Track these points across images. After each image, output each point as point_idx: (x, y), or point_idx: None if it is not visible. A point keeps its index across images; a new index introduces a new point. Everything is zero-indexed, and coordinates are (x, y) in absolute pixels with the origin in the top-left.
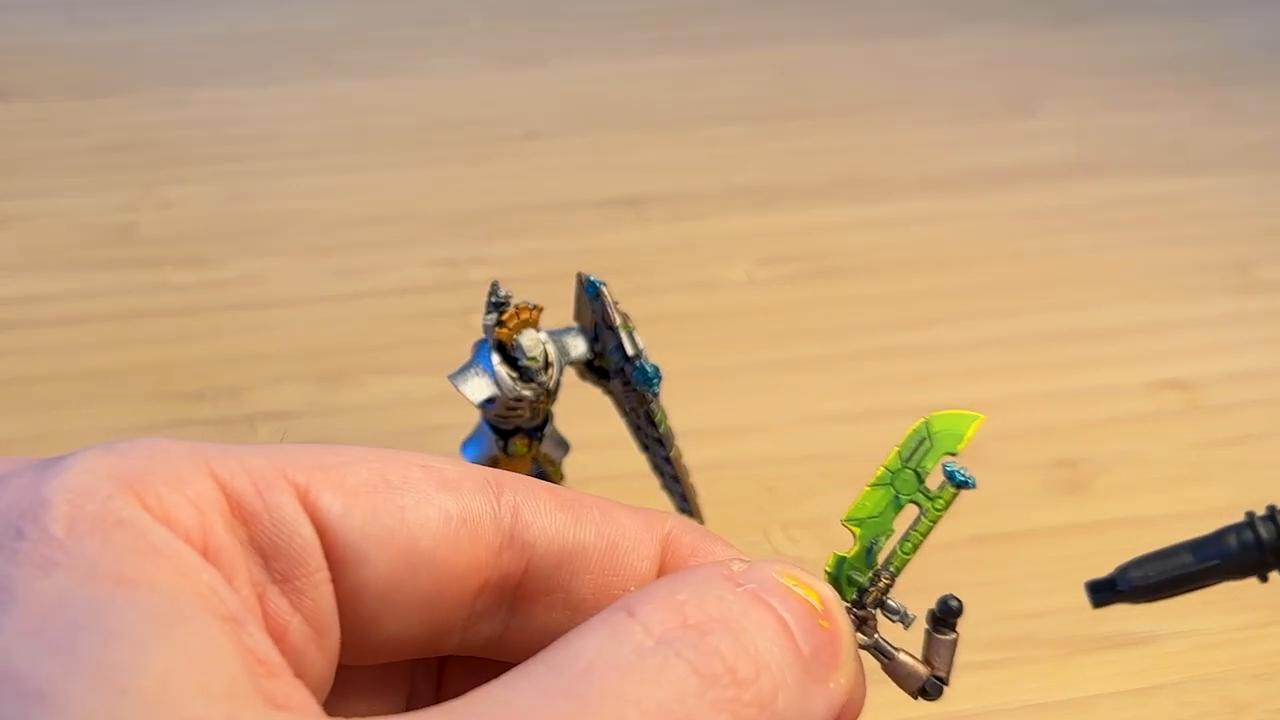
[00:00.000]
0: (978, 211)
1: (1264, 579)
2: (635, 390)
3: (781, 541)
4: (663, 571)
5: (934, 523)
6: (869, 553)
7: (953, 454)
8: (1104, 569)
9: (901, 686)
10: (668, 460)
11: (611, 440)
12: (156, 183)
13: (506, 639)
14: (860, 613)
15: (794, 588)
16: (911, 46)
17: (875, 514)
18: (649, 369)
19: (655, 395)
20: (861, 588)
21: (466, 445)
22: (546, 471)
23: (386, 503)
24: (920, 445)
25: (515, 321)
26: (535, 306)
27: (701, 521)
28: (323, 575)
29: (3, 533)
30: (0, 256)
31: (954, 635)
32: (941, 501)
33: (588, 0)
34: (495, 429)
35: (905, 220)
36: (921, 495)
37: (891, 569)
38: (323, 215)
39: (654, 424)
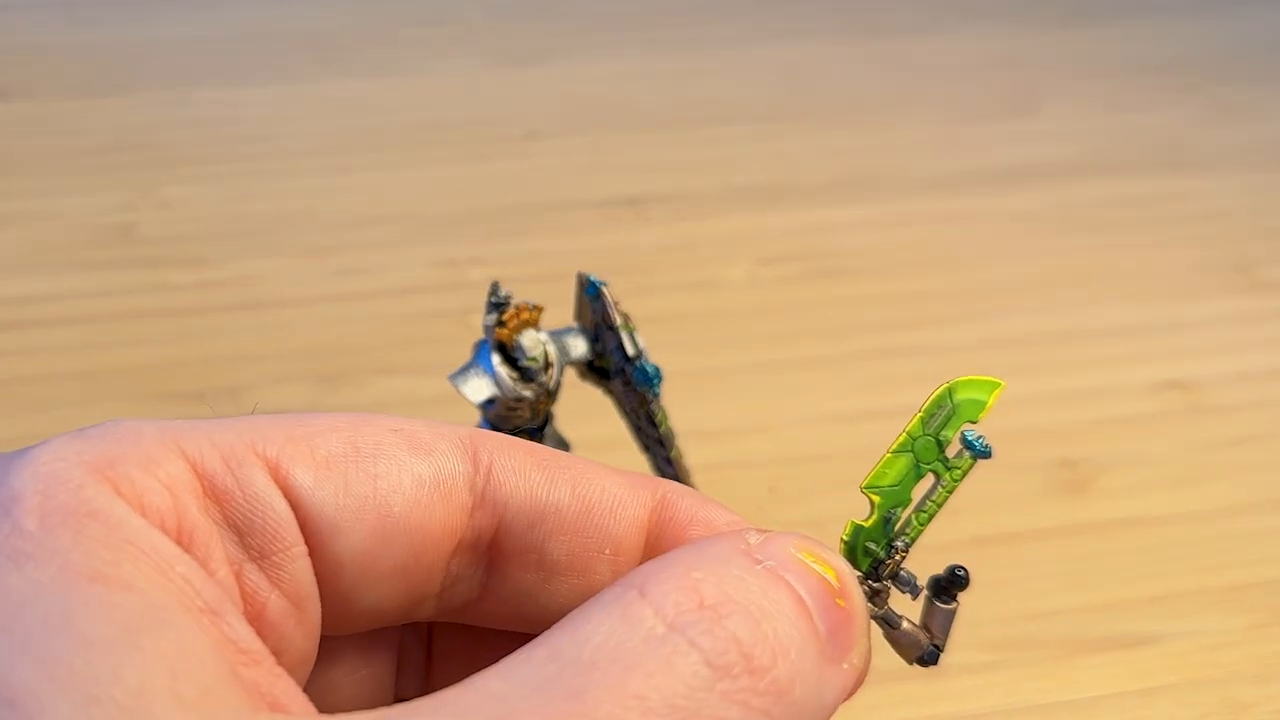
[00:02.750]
0: (978, 211)
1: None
2: (636, 391)
3: None
4: (656, 538)
5: (950, 493)
6: (887, 523)
7: (973, 422)
8: (1106, 569)
9: (901, 654)
10: (669, 461)
11: (612, 441)
12: (156, 183)
13: (485, 601)
14: (875, 585)
15: (812, 564)
16: (912, 46)
17: (895, 482)
18: (650, 369)
19: (656, 396)
20: (877, 559)
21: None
22: None
23: (359, 471)
24: (942, 412)
25: (515, 322)
26: (535, 306)
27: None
28: (299, 550)
29: None
30: (0, 256)
31: (955, 604)
32: (959, 471)
33: (588, 0)
34: (496, 429)
35: (906, 220)
36: (940, 464)
37: (907, 539)
38: (323, 215)
39: (655, 424)
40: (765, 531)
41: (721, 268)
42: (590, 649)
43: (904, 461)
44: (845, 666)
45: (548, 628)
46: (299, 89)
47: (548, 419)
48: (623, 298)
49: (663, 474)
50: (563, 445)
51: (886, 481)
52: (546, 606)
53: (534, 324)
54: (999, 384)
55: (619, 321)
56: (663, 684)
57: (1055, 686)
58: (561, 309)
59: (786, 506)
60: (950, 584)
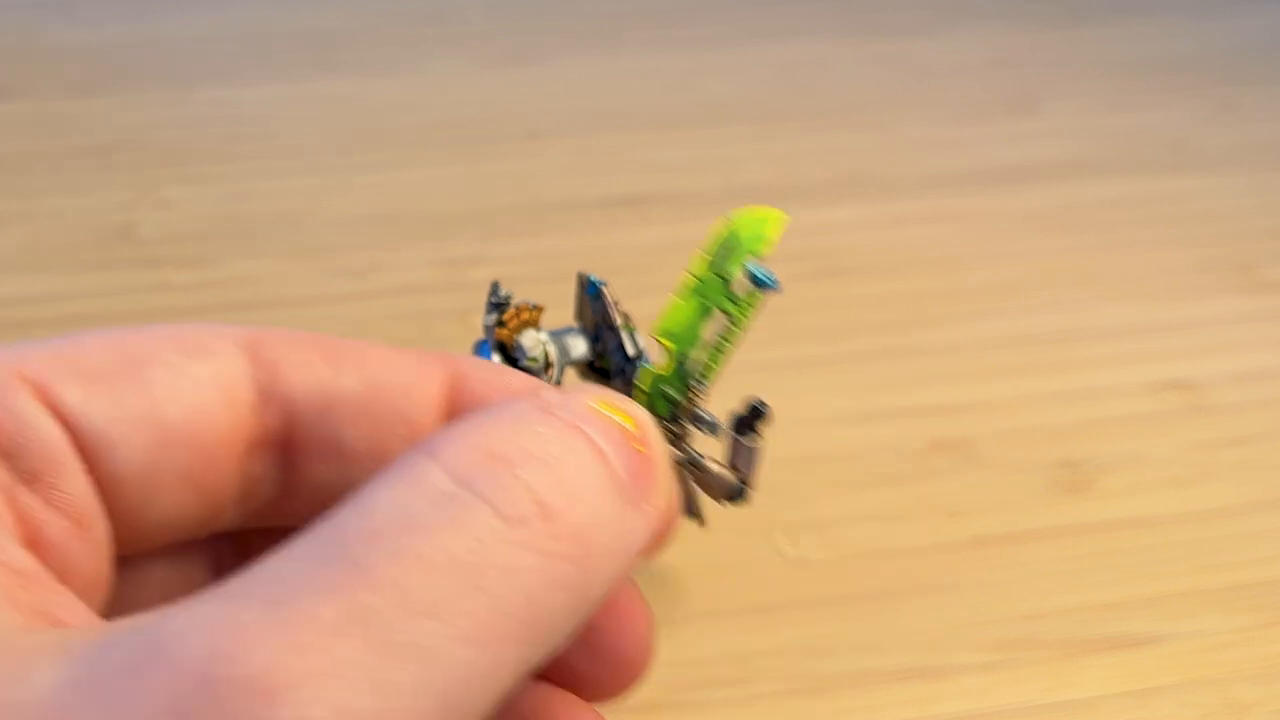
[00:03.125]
0: (979, 211)
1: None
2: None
3: (784, 543)
4: (453, 413)
5: (741, 329)
6: (681, 366)
7: (757, 256)
8: (1106, 569)
9: (711, 496)
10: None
11: None
12: (156, 182)
13: (289, 500)
14: (675, 429)
15: (608, 413)
16: (912, 46)
17: (686, 326)
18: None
19: None
20: (675, 403)
21: None
22: None
23: (130, 381)
24: (727, 250)
25: (515, 322)
26: (536, 306)
27: (703, 524)
28: (74, 468)
29: None
30: (0, 256)
31: (759, 440)
32: (748, 306)
33: (588, 0)
34: None
35: (907, 220)
36: (728, 301)
37: (703, 381)
38: (323, 215)
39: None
40: (562, 391)
41: None
42: (375, 518)
43: (693, 304)
44: (648, 509)
45: None
46: (299, 89)
47: None
48: (623, 298)
49: None
50: None
51: (677, 326)
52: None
53: (534, 324)
54: (780, 215)
55: (619, 321)
56: (449, 541)
57: (1055, 686)
58: (562, 309)
59: (788, 508)
60: (752, 419)
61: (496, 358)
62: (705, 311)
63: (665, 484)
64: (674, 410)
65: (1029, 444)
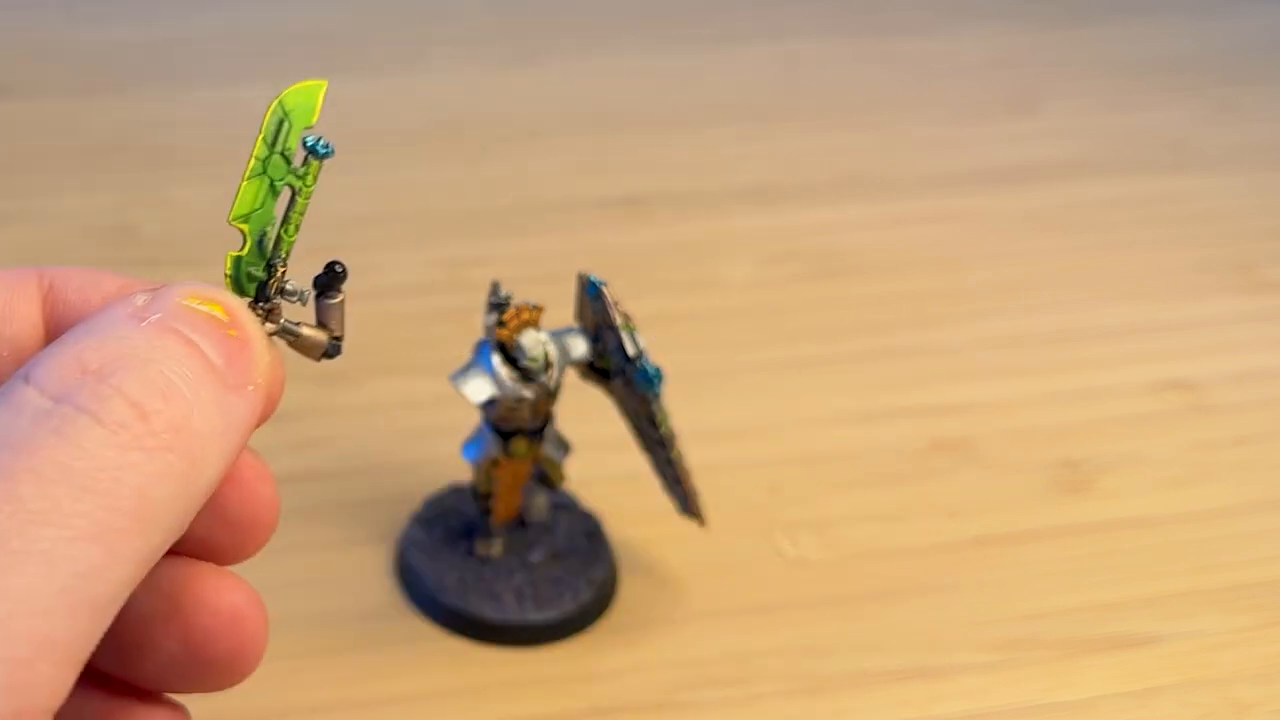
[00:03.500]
0: (979, 211)
1: None
2: (637, 391)
3: (784, 543)
4: (55, 327)
5: (307, 199)
6: (260, 245)
7: (309, 127)
8: (1106, 569)
9: (310, 356)
10: (669, 462)
11: (612, 441)
12: (156, 183)
13: None
14: (265, 306)
15: (198, 306)
16: (912, 46)
17: (257, 206)
18: (650, 370)
19: (657, 396)
20: (261, 281)
21: (468, 446)
22: (548, 473)
23: None
24: (280, 127)
25: (516, 322)
26: (536, 307)
27: (702, 524)
28: None
29: None
30: (0, 256)
31: (341, 297)
32: (310, 177)
33: (588, 0)
34: (496, 430)
35: (907, 220)
36: (293, 176)
37: (282, 255)
38: (323, 215)
39: (655, 425)
40: (154, 288)
41: (722, 268)
42: None
43: (259, 184)
44: (250, 389)
45: None
46: None
47: (548, 420)
48: (623, 298)
49: (664, 475)
50: (564, 446)
51: (249, 208)
52: None
53: (534, 324)
54: (322, 84)
55: (619, 321)
56: (55, 453)
57: (1055, 686)
58: (562, 309)
59: (788, 507)
60: (330, 280)
61: (497, 358)
62: (274, 190)
63: (263, 361)
64: (261, 288)
65: (1029, 444)
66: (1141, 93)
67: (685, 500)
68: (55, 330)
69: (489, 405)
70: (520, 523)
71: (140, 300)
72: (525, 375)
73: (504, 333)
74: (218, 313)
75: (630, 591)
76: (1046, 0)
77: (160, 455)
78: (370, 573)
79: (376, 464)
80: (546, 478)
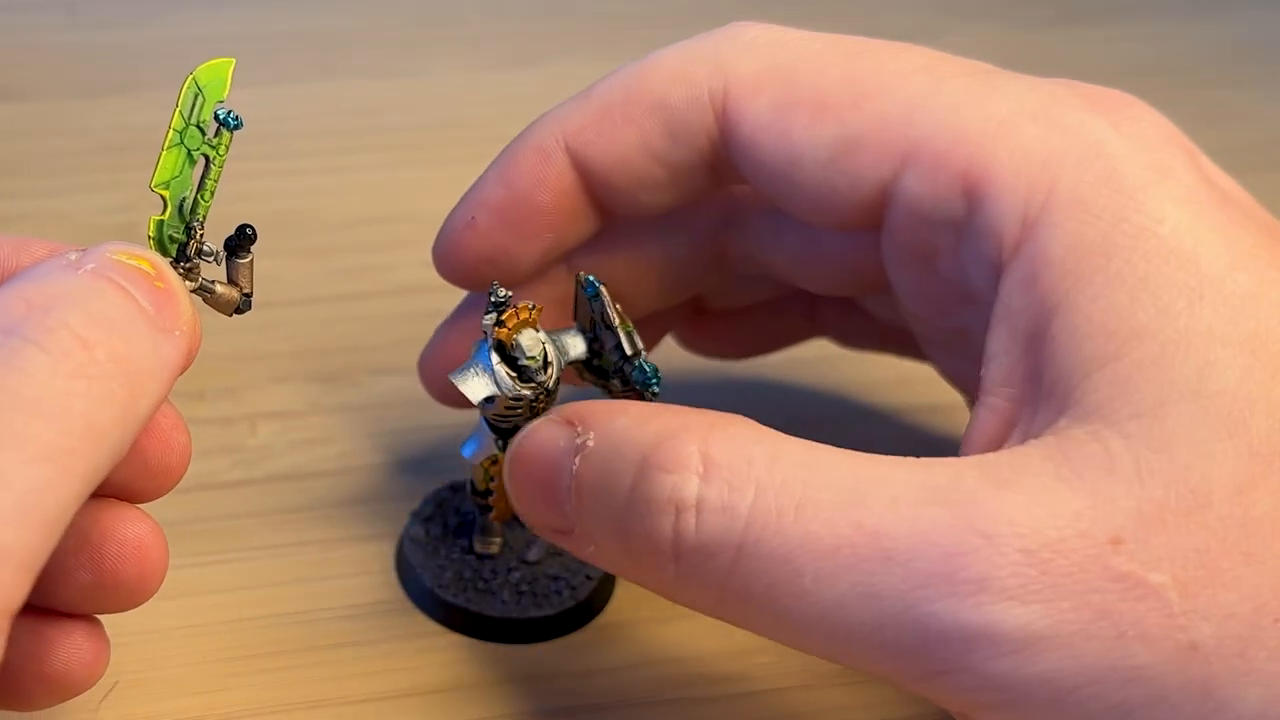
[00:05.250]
0: None
1: None
2: (634, 389)
3: None
4: None
5: (220, 168)
6: (180, 210)
7: (221, 101)
8: None
9: (223, 312)
10: None
11: None
12: None
13: None
14: (186, 265)
15: (127, 260)
16: None
17: (177, 174)
18: (648, 368)
19: (655, 395)
20: (181, 244)
21: (466, 444)
22: None
23: None
24: (196, 101)
25: (515, 321)
26: (535, 307)
27: None
28: None
29: None
30: None
31: (250, 257)
32: (223, 147)
33: (588, 0)
34: (494, 428)
35: None
36: (208, 146)
37: (199, 218)
38: (323, 215)
39: None
40: (83, 249)
41: None
42: None
43: (177, 154)
44: (177, 334)
45: None
46: (299, 89)
47: None
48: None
49: None
50: None
51: (169, 175)
52: None
53: (533, 324)
54: (230, 61)
55: (617, 321)
56: (6, 380)
57: None
58: (560, 309)
59: None
60: (240, 241)
61: (495, 357)
62: (191, 159)
63: (187, 312)
64: (182, 249)
65: None
66: (1140, 93)
67: None
68: None
69: (487, 403)
70: (517, 520)
71: (73, 256)
72: (523, 374)
73: (503, 332)
74: (145, 267)
75: (626, 589)
76: (1046, 0)
77: (103, 384)
78: (369, 571)
79: (376, 463)
80: None
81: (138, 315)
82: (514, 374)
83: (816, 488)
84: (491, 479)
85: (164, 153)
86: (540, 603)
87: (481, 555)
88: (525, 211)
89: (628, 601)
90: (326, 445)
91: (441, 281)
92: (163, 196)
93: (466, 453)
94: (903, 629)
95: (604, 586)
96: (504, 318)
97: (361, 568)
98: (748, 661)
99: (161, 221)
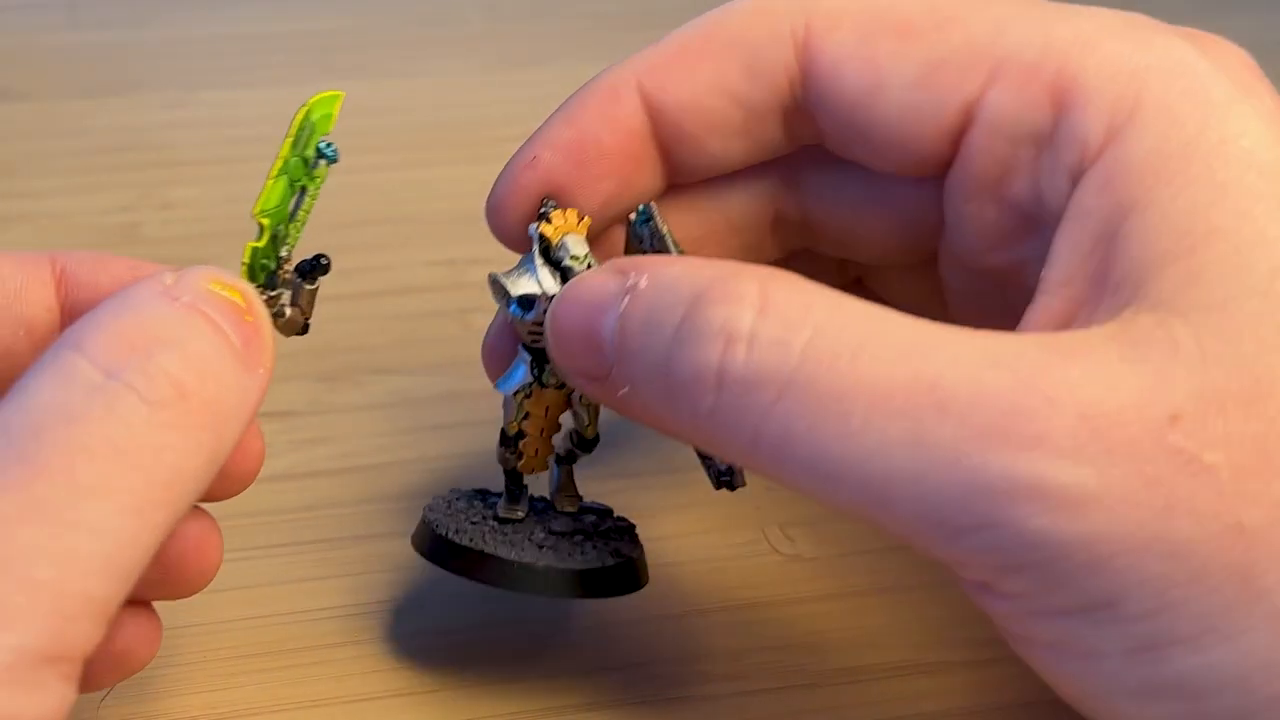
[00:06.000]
0: None
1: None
2: None
3: (779, 539)
4: (71, 307)
5: (314, 199)
6: (274, 239)
7: (326, 134)
8: None
9: (284, 334)
10: None
11: (606, 440)
12: (158, 183)
13: None
14: (273, 293)
15: (221, 291)
16: None
17: (279, 203)
18: None
19: None
20: (271, 271)
21: (503, 380)
22: (580, 420)
23: None
24: (305, 132)
25: (562, 223)
26: (585, 217)
27: (743, 485)
28: None
29: None
30: None
31: (317, 285)
32: (320, 179)
33: (587, 0)
34: (531, 352)
35: None
36: (307, 178)
37: (289, 247)
38: (323, 215)
39: None
40: (177, 270)
41: None
42: (36, 414)
43: (283, 183)
44: (261, 371)
45: None
46: (299, 89)
47: None
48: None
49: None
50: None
51: (273, 204)
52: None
53: (580, 232)
54: (339, 95)
55: (671, 242)
56: (105, 429)
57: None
58: None
59: (783, 505)
60: (312, 269)
61: (540, 259)
62: (292, 189)
63: (270, 348)
64: (271, 276)
65: None
66: None
67: (721, 472)
68: (71, 312)
69: (527, 306)
70: (546, 472)
71: (168, 279)
72: (566, 275)
73: (549, 228)
74: (237, 299)
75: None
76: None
77: (194, 434)
78: (369, 571)
79: (376, 463)
80: (580, 439)
81: (229, 356)
82: (557, 275)
83: (876, 336)
84: (525, 417)
85: (270, 181)
86: (563, 558)
87: (504, 519)
88: (590, 152)
89: (624, 601)
90: (326, 445)
91: (442, 281)
92: (261, 224)
93: (503, 388)
94: (947, 479)
95: (629, 567)
96: (552, 217)
97: (362, 568)
98: (748, 661)
99: (257, 248)
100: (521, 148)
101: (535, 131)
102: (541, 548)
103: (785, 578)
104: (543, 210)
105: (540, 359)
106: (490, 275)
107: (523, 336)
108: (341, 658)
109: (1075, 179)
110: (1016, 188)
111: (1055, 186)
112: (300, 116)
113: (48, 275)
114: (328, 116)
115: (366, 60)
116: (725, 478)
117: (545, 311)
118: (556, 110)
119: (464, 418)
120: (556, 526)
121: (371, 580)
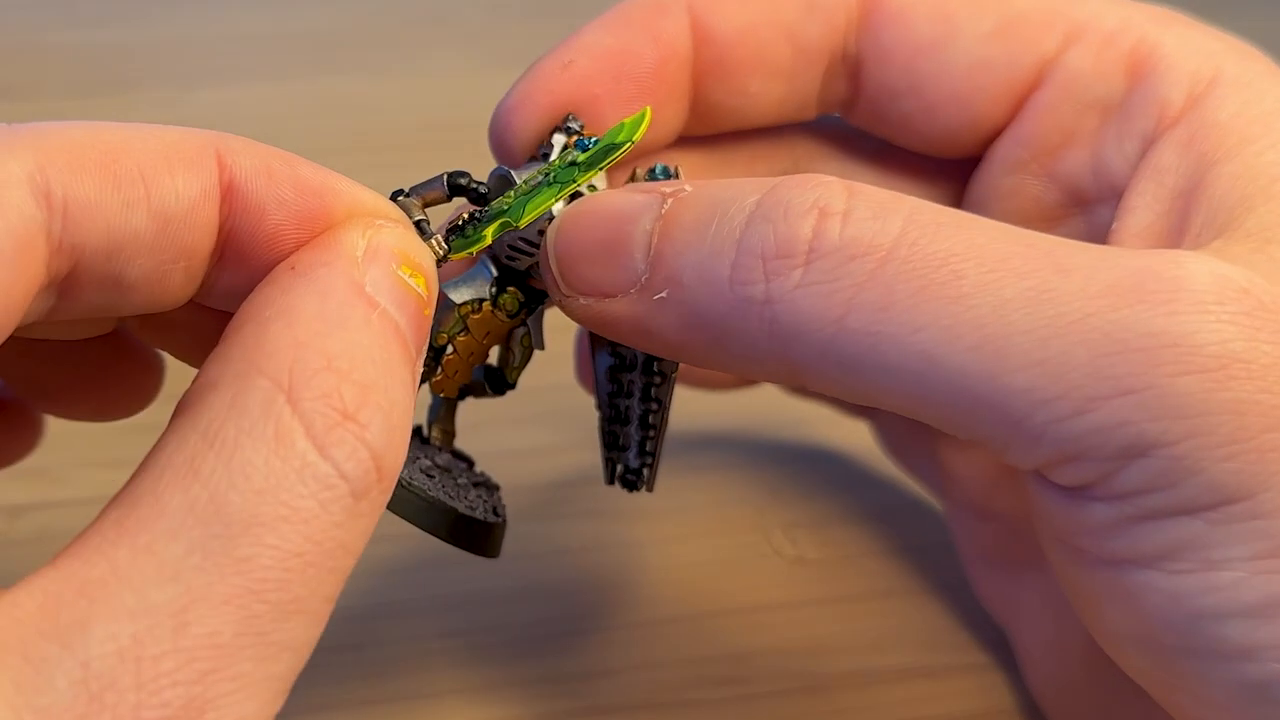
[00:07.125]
0: None
1: None
2: None
3: (782, 542)
4: (229, 234)
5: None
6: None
7: (633, 143)
8: None
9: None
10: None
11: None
12: None
13: (53, 316)
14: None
15: (408, 279)
16: None
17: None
18: None
19: None
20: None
21: (453, 284)
22: (506, 359)
23: None
24: (605, 154)
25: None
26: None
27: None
28: None
29: None
30: None
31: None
32: (587, 170)
33: (588, 0)
34: (500, 269)
35: None
36: (576, 170)
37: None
38: None
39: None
40: (366, 229)
41: None
42: (251, 497)
43: (552, 191)
44: (419, 365)
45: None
46: (299, 89)
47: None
48: None
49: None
50: (539, 343)
51: (536, 210)
52: (119, 311)
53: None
54: (646, 111)
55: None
56: (317, 530)
57: None
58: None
59: (787, 508)
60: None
61: (556, 155)
62: (560, 191)
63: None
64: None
65: None
66: None
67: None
68: (230, 239)
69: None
70: (449, 402)
71: (360, 248)
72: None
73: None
74: (421, 288)
75: (626, 591)
76: None
77: (374, 517)
78: (369, 571)
79: None
80: (497, 375)
81: (409, 379)
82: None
83: (975, 221)
84: (462, 331)
85: (547, 195)
86: (450, 496)
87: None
88: (630, 66)
89: (627, 604)
90: None
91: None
92: (513, 222)
93: (450, 291)
94: (1076, 339)
95: (499, 531)
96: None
97: (361, 568)
98: (748, 664)
99: (508, 228)
100: (551, 51)
101: (569, 37)
102: (431, 476)
103: (788, 581)
104: (566, 124)
105: (506, 281)
106: (499, 167)
107: (499, 250)
108: (342, 659)
109: (1148, 144)
110: (1071, 159)
111: (1122, 152)
112: (625, 148)
113: (214, 187)
114: (638, 128)
115: (366, 59)
116: (630, 476)
117: (540, 231)
118: (594, 21)
119: (465, 419)
120: (441, 460)
121: (370, 581)
